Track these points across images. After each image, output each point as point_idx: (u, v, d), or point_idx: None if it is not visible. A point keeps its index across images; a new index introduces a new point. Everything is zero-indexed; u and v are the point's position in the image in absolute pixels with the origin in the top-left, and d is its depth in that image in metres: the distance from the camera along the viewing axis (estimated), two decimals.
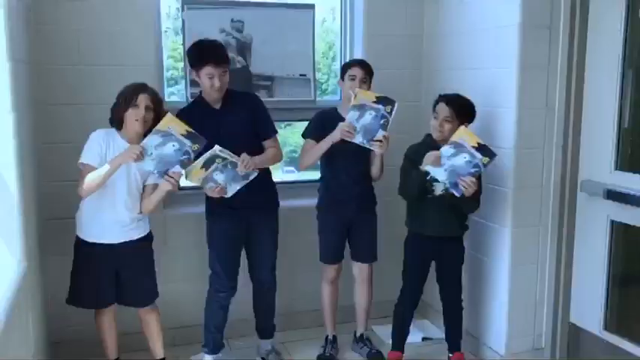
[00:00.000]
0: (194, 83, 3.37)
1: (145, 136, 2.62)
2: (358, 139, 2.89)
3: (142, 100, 2.62)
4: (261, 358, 3.26)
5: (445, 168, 2.76)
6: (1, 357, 1.63)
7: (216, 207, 2.94)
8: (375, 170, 3.13)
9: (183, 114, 2.86)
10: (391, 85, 3.48)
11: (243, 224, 2.99)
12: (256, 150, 2.89)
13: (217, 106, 2.91)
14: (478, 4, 3.22)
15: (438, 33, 3.61)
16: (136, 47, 3.15)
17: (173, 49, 3.58)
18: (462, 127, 2.77)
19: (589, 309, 3.04)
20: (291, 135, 4.10)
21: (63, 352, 3.15)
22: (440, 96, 2.95)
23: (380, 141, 2.88)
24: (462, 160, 2.74)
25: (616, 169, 2.86)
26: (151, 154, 2.56)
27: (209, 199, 2.97)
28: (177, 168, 2.61)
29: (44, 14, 3.00)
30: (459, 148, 2.74)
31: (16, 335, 1.96)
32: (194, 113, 2.86)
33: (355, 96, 2.88)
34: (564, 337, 3.20)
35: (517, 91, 2.96)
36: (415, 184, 2.88)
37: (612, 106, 2.84)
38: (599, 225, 2.95)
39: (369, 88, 3.05)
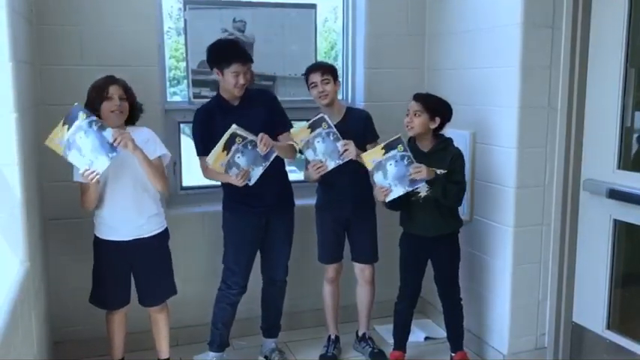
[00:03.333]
0: (196, 83, 3.39)
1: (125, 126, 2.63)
2: (332, 165, 2.93)
3: (114, 91, 2.63)
4: (264, 356, 3.26)
5: (394, 184, 2.81)
6: (4, 356, 1.64)
7: (237, 204, 2.95)
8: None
9: (201, 112, 2.96)
10: (393, 85, 3.48)
11: (262, 223, 3.01)
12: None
13: (236, 103, 2.95)
14: (480, 4, 3.22)
15: (440, 32, 3.60)
16: (138, 47, 3.16)
17: (175, 49, 3.58)
18: (363, 155, 2.84)
19: (592, 308, 3.04)
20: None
21: (65, 351, 3.15)
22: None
23: (346, 150, 2.90)
24: (392, 169, 2.79)
25: (618, 168, 2.86)
26: (77, 153, 2.48)
27: (228, 195, 2.98)
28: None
29: (46, 14, 3.01)
30: (379, 166, 2.80)
31: (19, 335, 1.97)
32: (213, 111, 2.94)
33: (295, 142, 2.93)
34: (567, 336, 3.20)
35: (519, 91, 2.96)
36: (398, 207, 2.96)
37: (615, 105, 2.84)
38: (602, 224, 2.95)
39: (336, 84, 3.06)
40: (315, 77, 3.03)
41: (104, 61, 3.09)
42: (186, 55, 3.39)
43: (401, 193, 2.83)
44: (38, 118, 2.95)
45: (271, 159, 2.82)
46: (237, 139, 2.75)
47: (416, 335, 3.45)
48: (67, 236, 3.11)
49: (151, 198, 2.76)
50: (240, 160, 2.78)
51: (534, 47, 2.94)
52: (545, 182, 3.09)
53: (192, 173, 3.34)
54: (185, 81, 3.45)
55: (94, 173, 2.48)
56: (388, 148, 2.80)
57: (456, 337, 3.17)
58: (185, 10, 3.37)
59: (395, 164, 2.80)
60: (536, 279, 3.17)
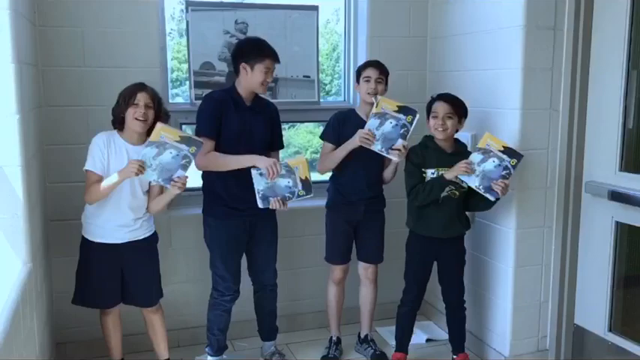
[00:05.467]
0: (198, 84, 3.40)
1: (148, 134, 2.64)
2: (377, 147, 2.91)
3: (141, 98, 2.65)
4: (265, 359, 3.26)
5: (477, 174, 2.81)
6: (6, 357, 1.64)
7: (223, 208, 2.94)
8: (388, 175, 3.14)
9: (216, 97, 2.90)
10: (395, 87, 3.47)
11: (246, 226, 2.99)
12: (264, 154, 2.91)
13: (249, 104, 2.93)
14: (482, 6, 3.22)
15: (442, 34, 3.60)
16: (140, 49, 3.16)
17: (177, 50, 3.59)
18: (487, 133, 2.84)
19: (593, 310, 3.04)
20: (295, 136, 4.11)
21: (67, 352, 3.16)
22: (434, 96, 2.98)
23: (399, 150, 2.90)
24: (491, 164, 2.80)
25: (620, 170, 2.86)
26: (151, 164, 2.58)
27: (213, 199, 2.97)
28: (181, 172, 2.62)
29: (49, 16, 3.01)
30: (486, 153, 2.79)
31: (21, 336, 1.97)
32: (226, 101, 2.89)
33: (377, 104, 2.90)
34: (569, 338, 3.19)
35: (521, 93, 2.96)
36: (439, 192, 2.89)
37: (616, 107, 2.84)
38: (604, 226, 2.94)
39: (385, 88, 3.06)
40: (373, 73, 3.02)
41: (106, 62, 3.10)
42: (188, 56, 3.39)
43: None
44: (40, 120, 2.96)
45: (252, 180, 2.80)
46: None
47: (417, 337, 3.45)
48: (69, 237, 3.10)
49: (144, 203, 2.79)
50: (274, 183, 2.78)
51: (536, 49, 2.95)
52: (547, 184, 3.09)
53: (194, 174, 3.33)
54: (187, 82, 3.45)
55: (141, 169, 2.52)
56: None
57: (458, 338, 3.17)
58: (187, 11, 3.37)
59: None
60: (537, 281, 3.17)
